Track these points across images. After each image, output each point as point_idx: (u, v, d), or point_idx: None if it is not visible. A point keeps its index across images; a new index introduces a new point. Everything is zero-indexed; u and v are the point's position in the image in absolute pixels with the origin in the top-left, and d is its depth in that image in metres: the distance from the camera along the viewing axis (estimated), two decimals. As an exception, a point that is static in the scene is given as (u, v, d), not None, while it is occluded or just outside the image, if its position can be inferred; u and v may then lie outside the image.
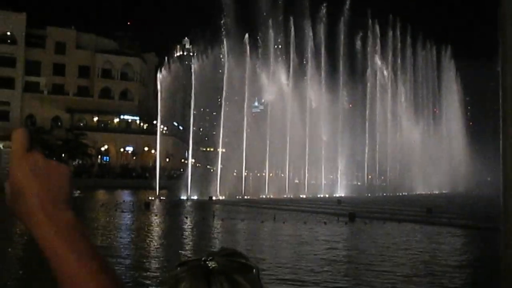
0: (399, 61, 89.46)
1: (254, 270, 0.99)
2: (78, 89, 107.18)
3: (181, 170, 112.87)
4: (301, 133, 69.26)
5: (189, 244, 22.29)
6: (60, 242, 0.89)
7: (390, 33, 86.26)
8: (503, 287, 2.02)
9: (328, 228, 27.17)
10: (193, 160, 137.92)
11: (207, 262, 0.97)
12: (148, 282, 13.29)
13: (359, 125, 78.92)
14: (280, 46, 75.09)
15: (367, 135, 79.00)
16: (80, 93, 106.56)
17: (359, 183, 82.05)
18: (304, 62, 74.93)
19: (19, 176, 0.92)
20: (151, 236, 23.88)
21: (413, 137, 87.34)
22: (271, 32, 71.01)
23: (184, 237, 24.44)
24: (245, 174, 66.74)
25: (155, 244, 21.34)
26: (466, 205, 46.94)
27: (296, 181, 72.73)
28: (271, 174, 70.00)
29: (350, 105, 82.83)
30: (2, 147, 74.58)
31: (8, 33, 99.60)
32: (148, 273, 14.62)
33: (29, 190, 0.91)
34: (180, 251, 18.99)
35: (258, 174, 70.91)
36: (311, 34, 73.55)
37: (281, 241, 22.39)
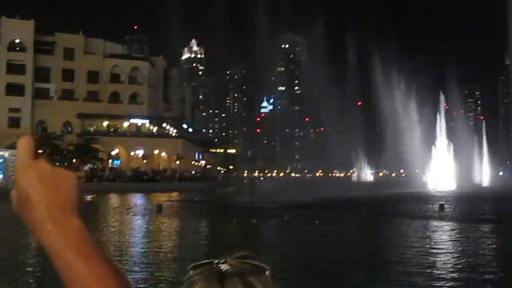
0: None
1: (267, 272, 0.99)
2: (87, 94, 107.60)
3: (192, 171, 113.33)
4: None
5: (204, 246, 22.26)
6: (68, 249, 0.90)
7: None
8: None
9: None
10: (204, 162, 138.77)
11: (220, 265, 0.98)
12: (162, 286, 13.25)
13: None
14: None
15: None
16: (89, 98, 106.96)
17: None
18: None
19: (26, 184, 0.93)
20: (165, 239, 23.85)
21: None
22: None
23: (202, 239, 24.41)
24: None
25: (169, 246, 21.30)
26: None
27: None
28: None
29: None
30: (7, 155, 74.50)
31: (17, 41, 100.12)
32: (161, 275, 14.58)
33: (36, 198, 0.92)
34: (196, 253, 18.95)
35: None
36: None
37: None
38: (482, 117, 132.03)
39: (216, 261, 0.99)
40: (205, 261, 1.01)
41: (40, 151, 0.91)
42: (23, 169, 0.92)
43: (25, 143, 0.92)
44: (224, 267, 0.97)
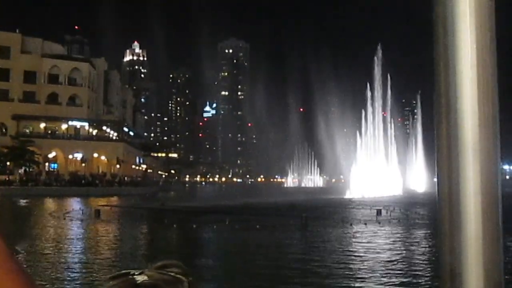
0: None
1: (184, 283, 0.96)
2: (23, 94, 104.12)
3: (132, 176, 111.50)
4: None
5: (140, 252, 21.90)
6: None
7: None
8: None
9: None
10: (145, 166, 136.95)
11: (136, 276, 0.95)
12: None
13: None
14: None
15: None
16: (26, 99, 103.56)
17: None
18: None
19: None
20: (101, 245, 23.30)
21: None
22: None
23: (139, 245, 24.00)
24: None
25: (105, 253, 20.82)
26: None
27: None
28: None
29: None
30: None
31: None
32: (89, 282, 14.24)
33: None
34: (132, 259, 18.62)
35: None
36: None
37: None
38: (418, 125, 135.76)
39: (132, 272, 0.96)
40: (123, 271, 0.97)
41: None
42: None
43: None
44: (139, 278, 0.94)
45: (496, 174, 0.86)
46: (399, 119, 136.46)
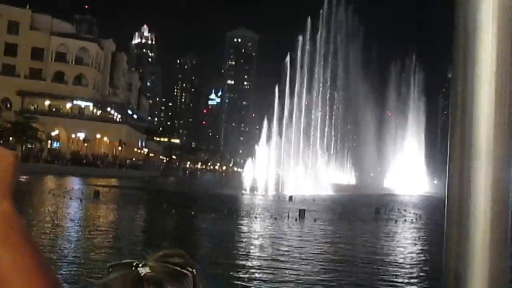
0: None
1: (188, 278, 0.94)
2: (30, 71, 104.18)
3: (133, 159, 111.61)
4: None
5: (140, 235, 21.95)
6: None
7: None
8: None
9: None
10: (147, 150, 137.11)
11: (139, 268, 0.92)
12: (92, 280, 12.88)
13: None
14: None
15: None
16: (32, 76, 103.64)
17: None
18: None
19: None
20: (99, 227, 23.36)
21: None
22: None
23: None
24: None
25: (102, 235, 20.86)
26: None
27: None
28: None
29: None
30: None
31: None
32: (94, 267, 14.26)
33: None
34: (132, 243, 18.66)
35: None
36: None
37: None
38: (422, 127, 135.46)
39: (135, 263, 0.93)
40: (124, 261, 0.94)
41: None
42: None
43: None
44: (142, 271, 0.91)
45: (509, 181, 0.85)
46: (403, 119, 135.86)
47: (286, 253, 17.87)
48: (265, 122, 75.99)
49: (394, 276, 14.77)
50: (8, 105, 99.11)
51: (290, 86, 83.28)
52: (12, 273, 0.81)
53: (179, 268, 0.94)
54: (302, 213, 30.76)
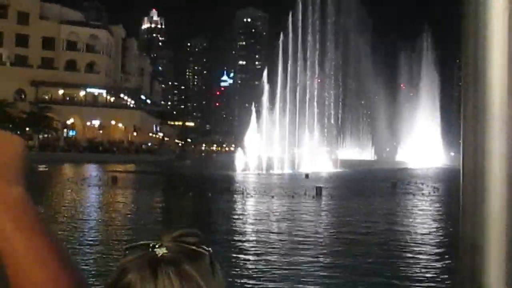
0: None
1: (206, 257, 0.93)
2: (42, 61, 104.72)
3: (148, 144, 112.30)
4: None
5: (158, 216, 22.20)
6: (7, 220, 0.82)
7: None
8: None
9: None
10: (162, 134, 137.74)
11: (156, 249, 0.91)
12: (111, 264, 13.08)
13: None
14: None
15: None
16: (44, 65, 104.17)
17: None
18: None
19: None
20: (118, 211, 23.64)
21: None
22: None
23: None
24: None
25: (121, 219, 21.12)
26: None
27: None
28: None
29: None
30: None
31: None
32: (113, 251, 14.46)
33: None
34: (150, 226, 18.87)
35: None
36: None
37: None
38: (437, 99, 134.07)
39: (152, 244, 0.92)
40: (141, 242, 0.94)
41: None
42: None
43: None
44: (159, 251, 0.91)
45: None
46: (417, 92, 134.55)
47: (304, 232, 17.95)
48: (278, 100, 76.10)
49: (418, 253, 14.70)
50: (23, 96, 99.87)
51: (303, 63, 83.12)
52: (25, 256, 0.80)
53: (195, 248, 0.93)
54: (319, 190, 30.81)
